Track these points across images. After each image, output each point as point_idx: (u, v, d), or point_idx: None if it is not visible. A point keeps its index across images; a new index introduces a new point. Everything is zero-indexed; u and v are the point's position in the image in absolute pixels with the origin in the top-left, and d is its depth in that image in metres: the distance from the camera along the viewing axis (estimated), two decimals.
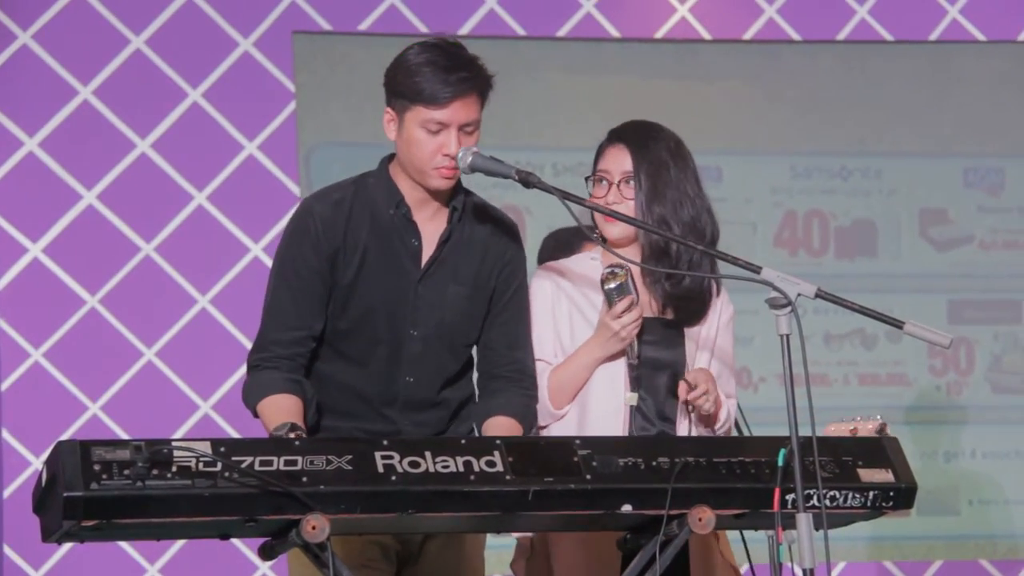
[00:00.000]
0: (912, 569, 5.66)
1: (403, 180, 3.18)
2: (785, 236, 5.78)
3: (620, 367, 3.34)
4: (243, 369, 5.28)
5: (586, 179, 3.45)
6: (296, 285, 3.16)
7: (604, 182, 3.40)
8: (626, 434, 3.31)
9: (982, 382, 5.78)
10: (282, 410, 3.09)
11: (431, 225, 3.19)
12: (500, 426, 3.19)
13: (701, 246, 3.27)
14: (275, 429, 3.04)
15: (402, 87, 3.11)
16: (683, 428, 3.36)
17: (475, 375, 3.33)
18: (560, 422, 3.35)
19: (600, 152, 3.44)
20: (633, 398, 3.33)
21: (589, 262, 3.41)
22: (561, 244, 4.70)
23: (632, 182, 3.37)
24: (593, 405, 3.33)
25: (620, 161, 3.40)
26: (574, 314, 3.37)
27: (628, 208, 3.36)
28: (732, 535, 3.46)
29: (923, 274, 5.81)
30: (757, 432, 3.65)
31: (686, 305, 3.39)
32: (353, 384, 3.18)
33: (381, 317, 3.16)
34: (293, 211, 3.26)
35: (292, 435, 3.00)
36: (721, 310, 3.45)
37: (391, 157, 3.23)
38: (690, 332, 3.41)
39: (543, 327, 3.36)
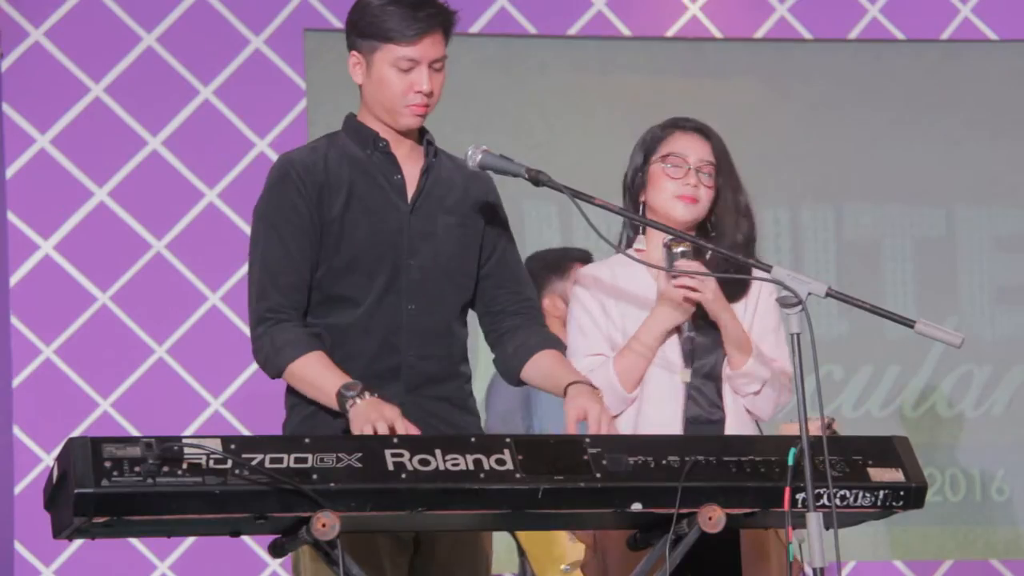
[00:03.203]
0: (922, 568, 5.66)
1: (374, 123, 3.20)
2: None
3: (674, 346, 3.34)
4: (253, 367, 5.29)
5: (645, 161, 3.43)
6: (286, 231, 3.13)
7: (681, 166, 3.41)
8: (681, 414, 3.33)
9: None
10: (328, 368, 3.04)
11: (409, 161, 3.20)
12: (555, 359, 3.18)
13: (711, 246, 3.28)
14: (345, 388, 2.97)
15: (370, 28, 3.14)
16: (728, 408, 3.38)
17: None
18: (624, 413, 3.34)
19: (663, 138, 3.45)
20: (686, 374, 3.33)
21: (628, 262, 3.39)
22: (550, 264, 4.71)
23: (711, 171, 3.40)
24: (650, 387, 3.34)
25: (696, 148, 3.43)
26: (623, 316, 3.38)
27: (707, 195, 3.38)
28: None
29: None
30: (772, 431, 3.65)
31: (721, 282, 3.42)
32: (354, 323, 3.13)
33: (377, 249, 3.14)
34: (269, 170, 3.22)
35: (367, 393, 2.95)
36: (760, 293, 3.45)
37: (353, 115, 3.25)
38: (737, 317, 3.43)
39: (590, 327, 3.37)
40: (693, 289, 3.31)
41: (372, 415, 2.92)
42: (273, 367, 3.12)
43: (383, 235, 3.14)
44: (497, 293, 3.24)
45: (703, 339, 3.38)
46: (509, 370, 3.25)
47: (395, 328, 3.13)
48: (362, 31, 3.16)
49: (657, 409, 3.33)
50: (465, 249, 3.21)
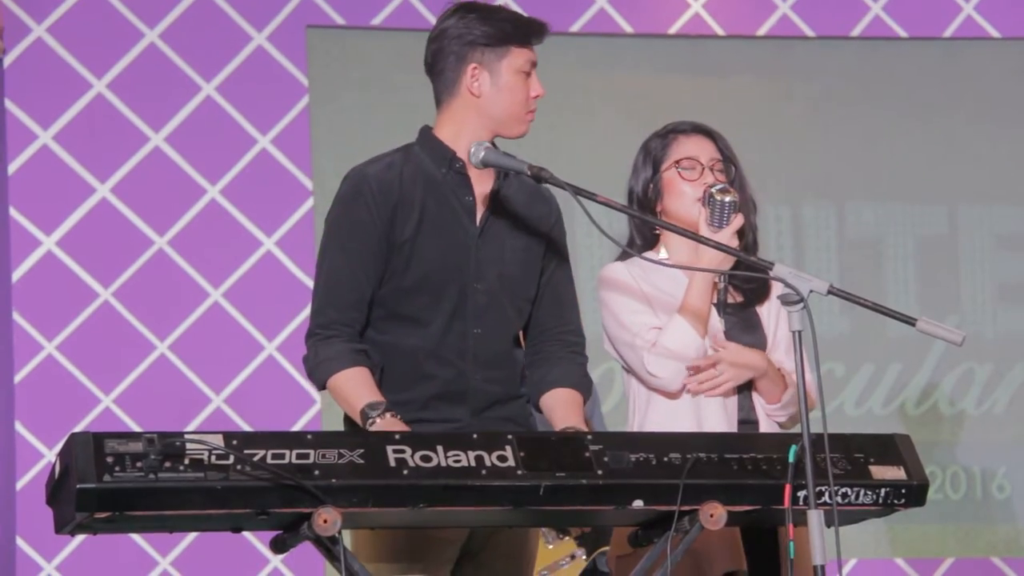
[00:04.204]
0: (923, 566, 5.66)
1: (452, 140, 3.20)
2: None
3: (718, 332, 3.36)
4: (255, 363, 5.36)
5: (655, 171, 3.44)
6: (352, 248, 3.15)
7: (696, 168, 3.42)
8: (736, 415, 3.35)
9: None
10: (362, 385, 3.07)
11: (480, 182, 3.22)
12: (563, 399, 3.21)
13: (714, 241, 3.27)
14: (369, 407, 3.01)
15: (496, 32, 3.17)
16: (761, 411, 3.39)
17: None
18: (680, 403, 3.35)
19: (668, 145, 3.46)
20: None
21: (653, 260, 3.39)
22: None
23: (721, 167, 3.43)
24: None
25: (705, 148, 3.45)
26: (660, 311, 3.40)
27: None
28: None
29: None
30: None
31: (745, 283, 3.42)
32: (421, 345, 3.16)
33: (446, 271, 3.16)
34: (342, 182, 3.22)
35: (388, 414, 2.99)
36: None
37: (429, 127, 3.25)
38: (763, 319, 3.44)
39: (637, 303, 3.38)
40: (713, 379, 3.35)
41: None
42: (316, 380, 3.16)
43: (452, 258, 3.17)
44: (540, 315, 3.27)
45: (741, 337, 3.39)
46: (532, 398, 3.29)
47: (462, 352, 3.17)
48: (490, 38, 3.18)
49: (716, 412, 3.35)
50: (527, 273, 3.24)
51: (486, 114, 3.19)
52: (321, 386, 3.16)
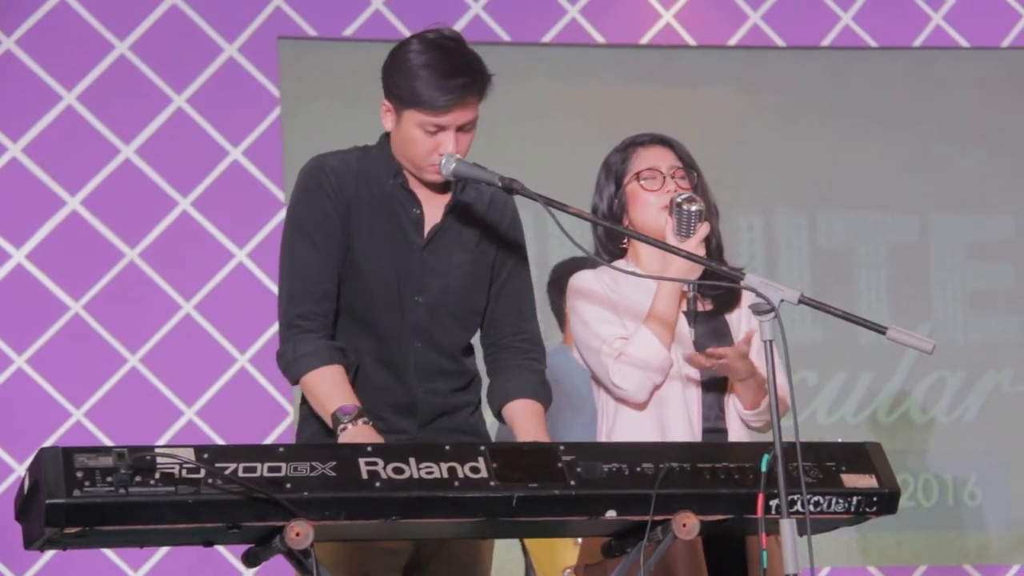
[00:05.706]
0: (896, 574, 5.68)
1: (401, 156, 3.20)
2: None
3: (687, 341, 3.36)
4: (227, 375, 5.34)
5: (618, 186, 3.44)
6: (319, 239, 3.13)
7: (657, 177, 3.43)
8: (700, 423, 3.35)
9: None
10: (336, 386, 3.06)
11: (429, 195, 3.20)
12: (524, 411, 3.20)
13: (685, 251, 3.27)
14: (341, 413, 3.00)
15: (400, 89, 3.11)
16: (732, 419, 3.39)
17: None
18: (644, 413, 3.35)
19: (628, 158, 3.47)
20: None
21: (625, 270, 3.40)
22: (572, 273, 4.72)
23: (682, 175, 3.43)
24: (671, 398, 3.36)
25: (665, 157, 3.45)
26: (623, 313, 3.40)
27: None
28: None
29: None
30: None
31: (713, 290, 3.43)
32: (371, 349, 3.16)
33: (385, 283, 3.15)
34: (301, 171, 3.20)
35: (360, 421, 2.98)
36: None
37: (388, 135, 3.24)
38: (733, 327, 3.44)
39: (606, 312, 3.38)
40: (706, 364, 3.34)
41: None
42: (291, 375, 3.15)
43: (394, 272, 3.16)
44: (495, 323, 3.26)
45: (711, 345, 3.39)
46: (491, 407, 3.28)
47: (405, 364, 3.17)
48: (393, 87, 3.13)
49: (678, 419, 3.35)
50: (475, 285, 3.23)
51: (396, 151, 3.19)
52: (295, 381, 3.14)
